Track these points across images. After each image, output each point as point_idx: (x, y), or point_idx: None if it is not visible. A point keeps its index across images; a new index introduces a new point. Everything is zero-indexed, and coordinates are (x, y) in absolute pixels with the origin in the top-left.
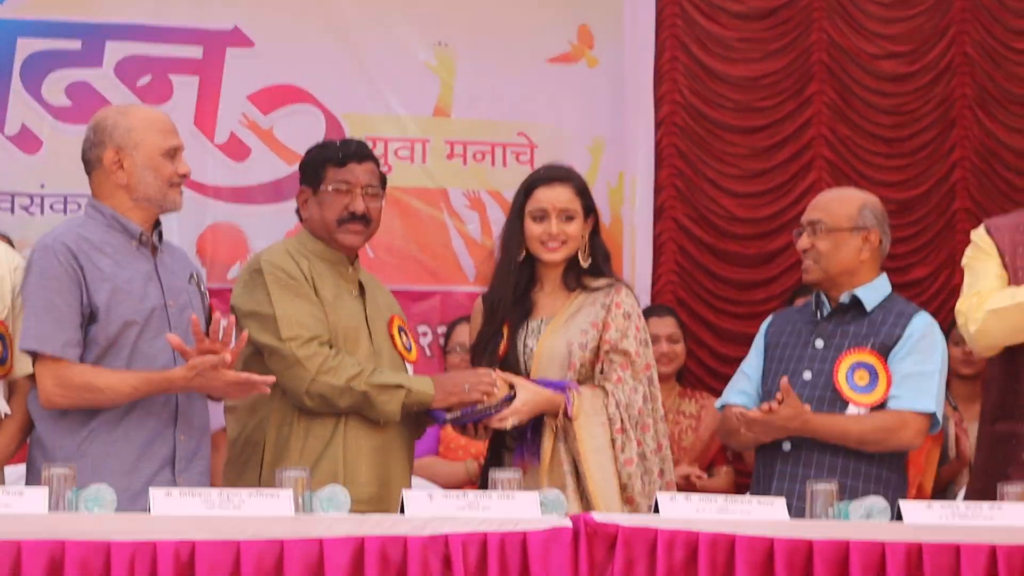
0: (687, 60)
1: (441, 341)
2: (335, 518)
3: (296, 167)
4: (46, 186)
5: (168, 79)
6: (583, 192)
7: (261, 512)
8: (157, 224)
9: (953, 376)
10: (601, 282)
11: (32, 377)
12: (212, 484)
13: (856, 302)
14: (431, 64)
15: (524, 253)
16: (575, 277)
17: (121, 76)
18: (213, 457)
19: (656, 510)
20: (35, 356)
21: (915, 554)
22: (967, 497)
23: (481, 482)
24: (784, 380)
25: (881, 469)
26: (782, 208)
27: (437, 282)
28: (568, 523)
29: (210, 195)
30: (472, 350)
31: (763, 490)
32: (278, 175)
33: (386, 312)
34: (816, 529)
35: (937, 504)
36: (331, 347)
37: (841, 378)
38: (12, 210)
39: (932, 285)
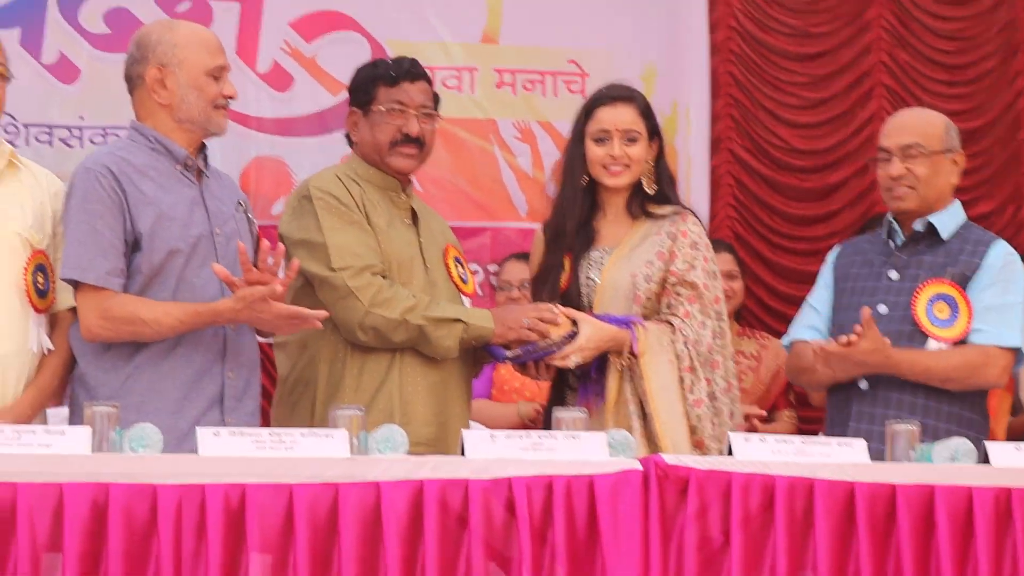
0: None
1: (493, 280)
2: (392, 460)
3: (340, 97)
4: (86, 118)
5: (208, 5)
6: (647, 113)
7: (314, 453)
8: (203, 148)
9: None
10: (667, 209)
11: (74, 310)
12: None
13: (931, 230)
14: None
15: (586, 179)
16: (639, 204)
17: (160, 2)
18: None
19: (730, 452)
20: (76, 286)
21: (1004, 499)
22: None
23: (545, 423)
24: (866, 311)
25: (963, 409)
26: (842, 139)
27: (487, 217)
28: (638, 466)
29: (253, 127)
30: (532, 283)
31: (839, 432)
32: (322, 106)
33: (441, 241)
34: (899, 473)
35: None
36: (384, 277)
37: (920, 311)
38: (51, 143)
39: (999, 220)
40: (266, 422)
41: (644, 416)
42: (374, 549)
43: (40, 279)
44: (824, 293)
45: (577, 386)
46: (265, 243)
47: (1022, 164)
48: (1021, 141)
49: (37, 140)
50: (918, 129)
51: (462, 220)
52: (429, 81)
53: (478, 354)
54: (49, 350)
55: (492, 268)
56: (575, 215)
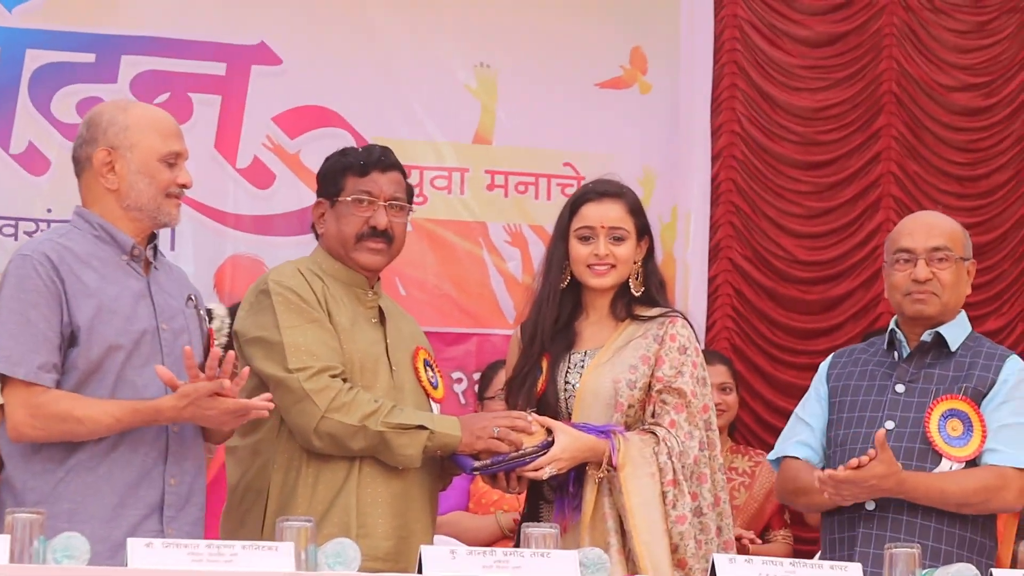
0: (747, 87)
1: (477, 388)
2: None
3: None
4: (53, 211)
5: (188, 97)
6: (636, 210)
7: (256, 568)
8: (153, 238)
9: None
10: (654, 311)
11: (1, 408)
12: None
13: (939, 341)
14: (471, 87)
15: (568, 278)
16: (625, 306)
17: (137, 93)
18: None
19: (713, 574)
20: (5, 381)
21: None
22: None
23: (517, 540)
24: (881, 433)
25: (974, 533)
26: (847, 250)
27: (474, 324)
28: None
29: (230, 224)
30: (507, 387)
31: (842, 556)
32: (304, 204)
33: (410, 343)
34: None
35: None
36: (345, 380)
37: (933, 428)
38: (16, 236)
39: (1008, 337)
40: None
41: (623, 533)
42: None
43: None
44: (816, 406)
45: (553, 499)
46: (216, 350)
47: None
48: None
49: (2, 233)
50: (946, 232)
51: (447, 326)
52: (403, 172)
53: (445, 464)
54: None
55: (477, 376)
56: (553, 315)
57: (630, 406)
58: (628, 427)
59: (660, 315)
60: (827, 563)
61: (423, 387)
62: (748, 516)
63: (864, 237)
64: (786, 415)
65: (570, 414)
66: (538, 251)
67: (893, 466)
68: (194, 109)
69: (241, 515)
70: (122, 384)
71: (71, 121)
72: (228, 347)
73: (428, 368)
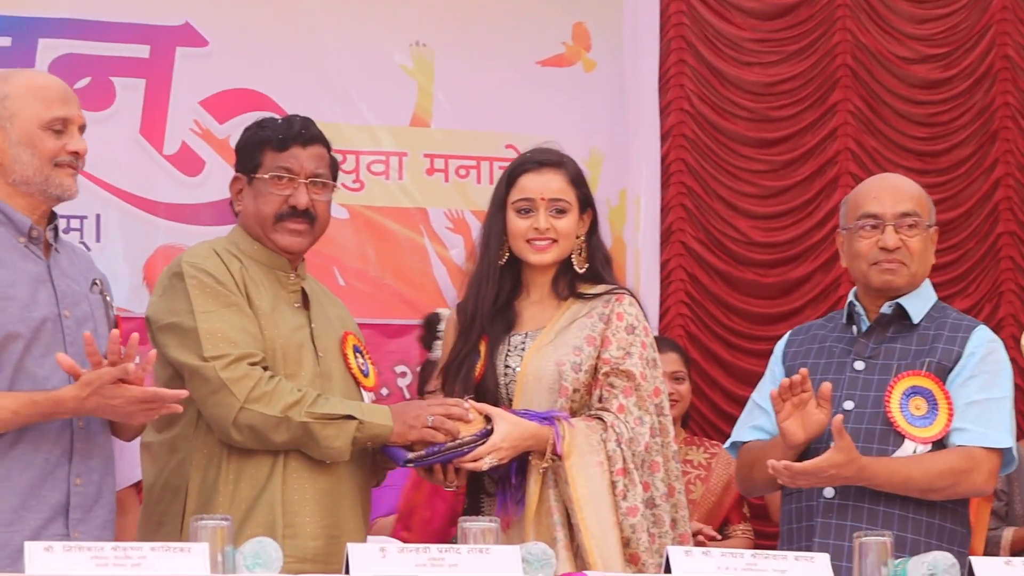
0: (695, 63)
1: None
2: None
3: None
4: None
5: (110, 82)
6: (578, 180)
7: (166, 571)
8: (53, 218)
9: None
10: (599, 289)
11: None
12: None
13: (900, 313)
14: (407, 67)
15: (507, 255)
16: (568, 283)
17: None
18: (121, 520)
19: (667, 569)
20: None
21: None
22: None
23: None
24: (838, 419)
25: (944, 520)
26: (805, 231)
27: (416, 315)
28: None
29: (159, 214)
30: (443, 372)
31: (798, 548)
32: None
33: (338, 327)
34: None
35: (1018, 561)
36: (265, 368)
37: (895, 407)
38: None
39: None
40: None
41: (571, 527)
42: None
43: None
44: (772, 389)
45: (495, 492)
46: (114, 332)
47: (1000, 259)
48: (999, 234)
49: None
50: (915, 196)
51: (389, 317)
52: (326, 145)
53: (377, 458)
54: None
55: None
56: (491, 294)
57: (575, 390)
58: (573, 413)
59: (606, 292)
60: (791, 553)
61: (352, 375)
62: (705, 510)
63: (822, 217)
64: (745, 404)
65: (511, 400)
66: None
67: (851, 453)
68: (117, 94)
69: (158, 516)
70: (21, 376)
71: None
72: None
73: (358, 354)
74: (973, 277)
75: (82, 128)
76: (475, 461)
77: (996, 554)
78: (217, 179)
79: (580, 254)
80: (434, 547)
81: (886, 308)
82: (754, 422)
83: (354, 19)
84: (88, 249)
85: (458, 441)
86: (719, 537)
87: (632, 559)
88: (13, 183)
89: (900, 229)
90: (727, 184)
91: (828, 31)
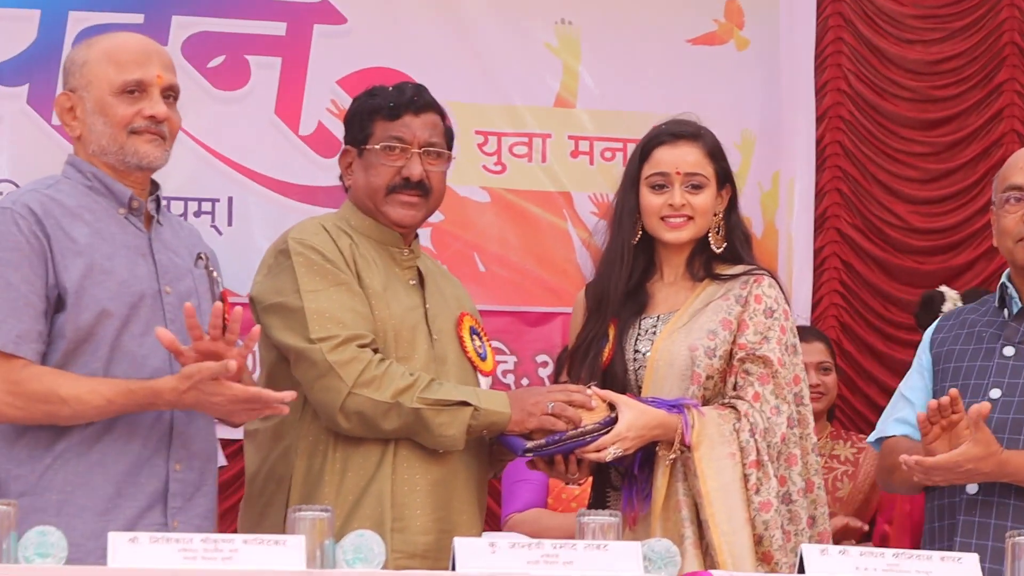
0: (854, 41)
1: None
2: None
3: None
4: None
5: (245, 60)
6: (716, 153)
7: (259, 566)
8: (155, 189)
9: None
10: (737, 270)
11: None
12: None
13: None
14: (552, 46)
15: (640, 232)
16: (704, 264)
17: (190, 56)
18: None
19: (801, 569)
20: None
21: None
22: None
23: None
24: (975, 409)
25: None
26: (968, 216)
27: (559, 303)
28: None
29: (294, 196)
30: (570, 356)
31: (939, 548)
32: None
33: (455, 308)
34: None
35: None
36: (376, 351)
37: None
38: None
39: None
40: None
41: (700, 522)
42: None
43: None
44: (918, 379)
45: (621, 486)
46: (217, 305)
47: None
48: None
49: None
50: None
51: (530, 305)
52: (440, 113)
53: (494, 447)
54: None
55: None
56: (623, 275)
57: (708, 377)
58: (706, 401)
59: (744, 273)
60: (936, 553)
61: (469, 358)
62: (853, 509)
63: (987, 201)
64: None
65: (639, 387)
66: None
67: (991, 446)
68: (252, 73)
69: (261, 507)
70: (118, 355)
71: None
72: None
73: (475, 337)
74: None
75: (169, 90)
76: (598, 451)
77: None
78: None
79: (718, 232)
80: (548, 543)
81: None
82: (898, 414)
83: None
84: (220, 233)
85: (580, 430)
86: (867, 530)
87: (765, 558)
88: (92, 154)
89: None
90: (886, 167)
91: (995, 7)
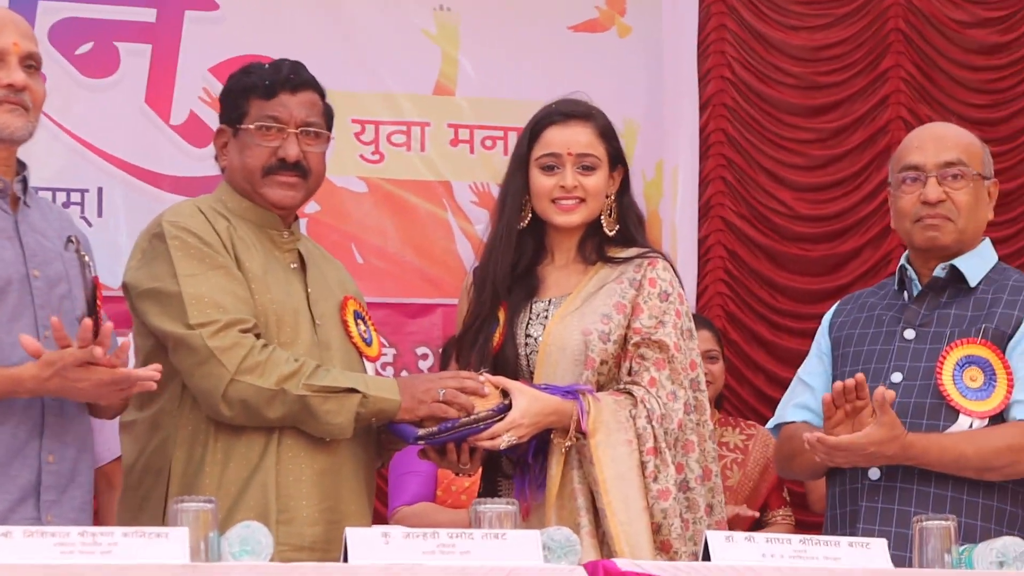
0: (737, 27)
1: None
2: (247, 568)
3: None
4: None
5: (114, 47)
6: (608, 134)
7: (140, 560)
8: (21, 170)
9: None
10: (631, 252)
11: None
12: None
13: (955, 276)
14: (430, 32)
15: (529, 215)
16: (596, 247)
17: (57, 43)
18: (108, 496)
19: (706, 556)
20: None
21: None
22: None
23: None
24: (887, 394)
25: (1002, 502)
26: (855, 203)
27: (439, 294)
28: (582, 573)
29: (165, 187)
30: (458, 342)
31: (842, 534)
32: None
33: (338, 292)
34: None
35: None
36: (258, 336)
37: (947, 379)
38: None
39: None
40: None
41: (595, 511)
42: None
43: None
44: (817, 364)
45: (513, 474)
46: (87, 322)
47: None
48: None
49: None
50: (961, 144)
51: (410, 296)
52: (319, 91)
53: (383, 436)
54: None
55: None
56: (512, 258)
57: (603, 362)
58: (600, 387)
59: (637, 256)
60: (844, 539)
61: (354, 343)
62: (742, 497)
63: (873, 188)
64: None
65: (532, 373)
66: None
67: (895, 429)
68: (121, 60)
69: (139, 500)
70: None
71: None
72: None
73: (360, 321)
74: None
75: (28, 58)
76: (492, 439)
77: None
78: None
79: (610, 215)
80: (443, 532)
81: (939, 271)
82: (798, 399)
83: None
84: (89, 225)
85: (473, 417)
86: (758, 517)
87: (663, 546)
88: None
89: (944, 181)
90: (771, 155)
91: None
